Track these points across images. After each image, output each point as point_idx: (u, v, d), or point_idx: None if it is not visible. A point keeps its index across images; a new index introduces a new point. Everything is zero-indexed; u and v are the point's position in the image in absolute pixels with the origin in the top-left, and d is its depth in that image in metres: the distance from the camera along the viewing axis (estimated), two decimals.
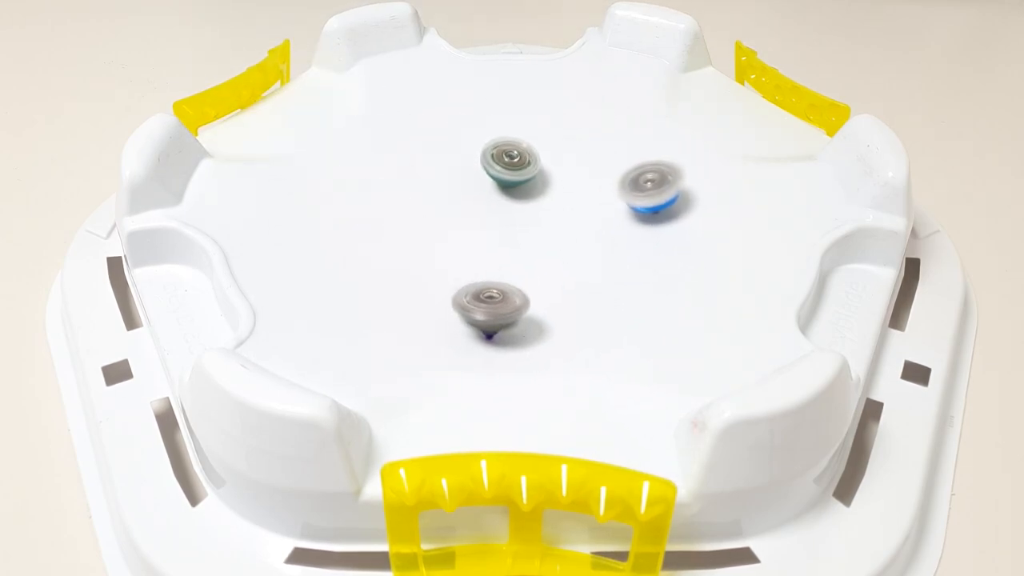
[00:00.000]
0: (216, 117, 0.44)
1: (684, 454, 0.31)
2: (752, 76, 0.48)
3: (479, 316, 0.34)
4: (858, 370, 0.35)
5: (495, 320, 0.35)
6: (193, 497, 0.33)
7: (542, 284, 0.38)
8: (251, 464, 0.31)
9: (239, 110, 0.46)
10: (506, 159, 0.41)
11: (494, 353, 0.35)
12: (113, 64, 0.60)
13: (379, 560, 0.31)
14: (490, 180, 0.42)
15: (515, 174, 0.41)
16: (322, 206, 0.41)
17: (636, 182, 0.40)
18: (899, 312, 0.41)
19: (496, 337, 0.36)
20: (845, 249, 0.39)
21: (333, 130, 0.44)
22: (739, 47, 0.49)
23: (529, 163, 0.41)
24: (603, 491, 0.29)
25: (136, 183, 0.38)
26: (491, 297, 0.35)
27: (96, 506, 0.35)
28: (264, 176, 0.42)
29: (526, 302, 0.35)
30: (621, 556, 0.31)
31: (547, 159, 0.43)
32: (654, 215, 0.40)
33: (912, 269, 0.43)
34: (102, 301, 0.40)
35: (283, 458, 0.30)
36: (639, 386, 0.34)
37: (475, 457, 0.29)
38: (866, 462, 0.35)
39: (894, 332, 0.40)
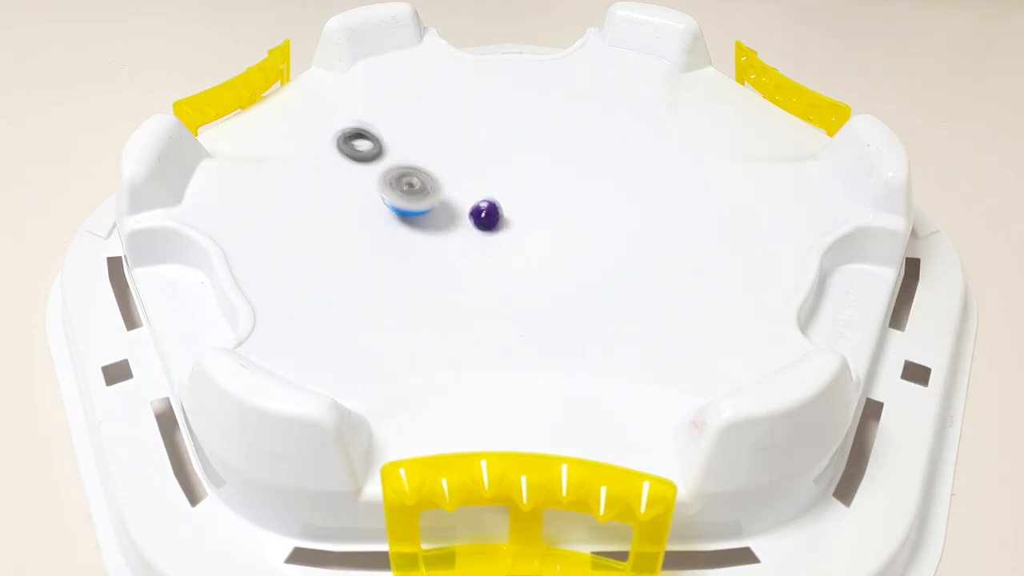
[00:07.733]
0: (216, 117, 0.44)
1: (684, 454, 0.31)
2: (752, 76, 0.48)
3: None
4: (858, 370, 0.35)
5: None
6: (193, 497, 0.33)
7: (543, 284, 0.38)
8: (251, 464, 0.31)
9: (239, 110, 0.46)
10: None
11: (494, 353, 0.35)
12: (113, 64, 0.60)
13: (379, 560, 0.31)
14: (492, 179, 0.42)
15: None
16: (322, 206, 0.41)
17: (398, 182, 0.40)
18: (899, 312, 0.41)
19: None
20: (845, 249, 0.39)
21: (333, 130, 0.44)
22: (739, 47, 0.49)
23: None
24: (603, 491, 0.29)
25: (136, 183, 0.38)
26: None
27: (96, 506, 0.35)
28: (264, 176, 0.41)
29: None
30: (621, 556, 0.31)
31: (547, 160, 0.43)
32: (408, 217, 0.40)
33: (912, 269, 0.43)
34: (102, 301, 0.40)
35: (283, 458, 0.30)
36: (639, 386, 0.34)
37: (475, 457, 0.29)
38: (866, 462, 0.35)
39: (894, 332, 0.40)
